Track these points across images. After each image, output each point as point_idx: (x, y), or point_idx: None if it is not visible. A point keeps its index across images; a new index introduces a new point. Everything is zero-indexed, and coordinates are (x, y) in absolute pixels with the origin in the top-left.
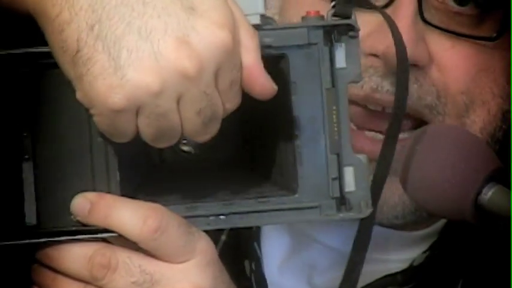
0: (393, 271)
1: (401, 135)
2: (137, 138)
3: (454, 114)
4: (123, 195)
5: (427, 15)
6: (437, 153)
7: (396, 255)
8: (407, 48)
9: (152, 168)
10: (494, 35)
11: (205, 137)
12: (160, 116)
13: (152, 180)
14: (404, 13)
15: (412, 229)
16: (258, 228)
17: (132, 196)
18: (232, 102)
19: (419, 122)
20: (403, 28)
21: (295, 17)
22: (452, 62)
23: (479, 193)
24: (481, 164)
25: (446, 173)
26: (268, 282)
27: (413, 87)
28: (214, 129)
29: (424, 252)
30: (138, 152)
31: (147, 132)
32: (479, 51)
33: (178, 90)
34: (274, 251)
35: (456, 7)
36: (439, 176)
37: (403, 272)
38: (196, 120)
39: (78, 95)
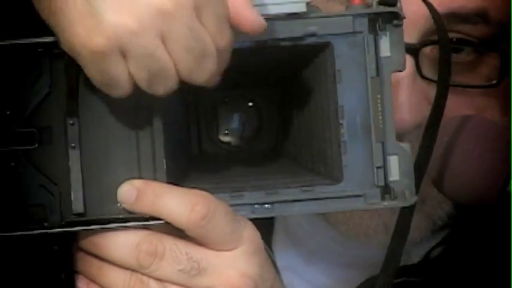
0: (409, 261)
1: None
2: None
3: None
4: (169, 178)
5: (424, 71)
6: (465, 144)
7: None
8: (409, 114)
9: (194, 159)
10: (495, 81)
11: (202, 76)
12: (147, 56)
13: (195, 171)
14: (403, 74)
15: None
16: None
17: (177, 183)
18: (223, 39)
19: None
20: (404, 94)
21: None
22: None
23: (506, 184)
24: (507, 154)
25: (474, 164)
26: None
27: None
28: (209, 67)
29: (440, 244)
30: (179, 143)
31: (139, 77)
32: (475, 96)
33: (158, 28)
34: None
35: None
36: (467, 166)
37: (418, 264)
38: (187, 58)
39: (62, 45)
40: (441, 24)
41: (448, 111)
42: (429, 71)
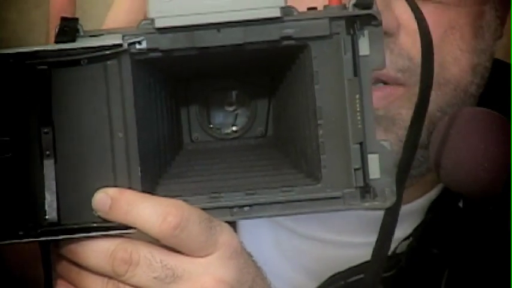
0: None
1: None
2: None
3: None
4: (144, 187)
5: None
6: (471, 137)
7: (373, 238)
8: None
9: (184, 149)
10: None
11: None
12: None
13: (175, 171)
14: None
15: None
16: None
17: (155, 184)
18: None
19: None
20: None
21: None
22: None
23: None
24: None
25: (479, 157)
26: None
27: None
28: None
29: (407, 238)
30: (163, 139)
31: None
32: (444, 11)
33: None
34: (254, 239)
35: None
36: (472, 159)
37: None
38: None
39: None
40: (421, 18)
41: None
42: None
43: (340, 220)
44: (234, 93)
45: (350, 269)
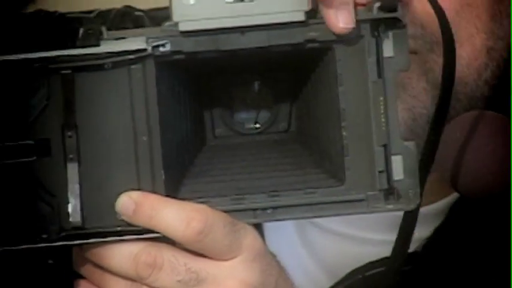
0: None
1: None
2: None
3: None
4: (167, 190)
5: None
6: (478, 140)
7: (393, 236)
8: None
9: (206, 145)
10: None
11: None
12: None
13: (198, 169)
14: None
15: None
16: None
17: (178, 185)
18: None
19: None
20: None
21: None
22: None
23: None
24: None
25: (487, 160)
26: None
27: None
28: None
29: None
30: (186, 138)
31: None
32: None
33: None
34: (279, 229)
35: None
36: (480, 162)
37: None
38: None
39: None
40: (445, 20)
41: None
42: None
43: (362, 216)
44: (256, 87)
45: (368, 263)
